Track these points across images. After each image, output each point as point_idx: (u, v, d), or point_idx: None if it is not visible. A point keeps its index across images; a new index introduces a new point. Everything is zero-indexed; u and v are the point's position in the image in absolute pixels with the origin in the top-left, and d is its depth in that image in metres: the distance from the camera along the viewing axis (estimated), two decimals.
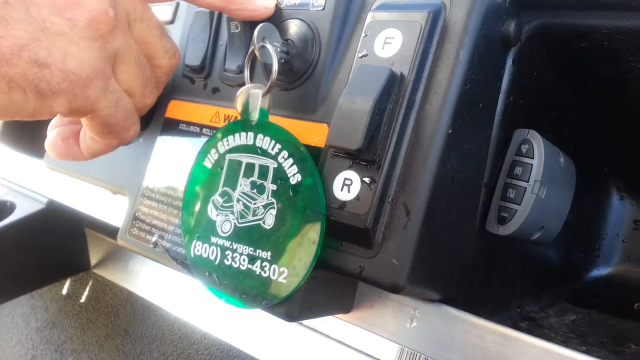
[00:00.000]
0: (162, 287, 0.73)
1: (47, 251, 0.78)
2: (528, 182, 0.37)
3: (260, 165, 0.35)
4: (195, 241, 0.37)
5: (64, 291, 0.96)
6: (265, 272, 0.34)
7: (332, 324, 0.53)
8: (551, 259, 0.51)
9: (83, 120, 0.35)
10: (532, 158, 0.37)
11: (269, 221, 0.34)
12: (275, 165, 0.34)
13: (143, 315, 0.87)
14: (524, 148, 0.37)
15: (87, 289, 0.94)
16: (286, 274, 0.33)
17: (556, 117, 0.45)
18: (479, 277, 0.39)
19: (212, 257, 0.36)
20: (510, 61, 0.36)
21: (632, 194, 0.56)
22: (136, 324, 0.87)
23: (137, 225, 0.43)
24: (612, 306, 0.50)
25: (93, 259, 0.83)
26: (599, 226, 0.56)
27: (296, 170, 0.33)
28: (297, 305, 0.34)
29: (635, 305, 0.49)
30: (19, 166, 0.69)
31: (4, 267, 0.73)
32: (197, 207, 0.37)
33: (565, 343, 0.39)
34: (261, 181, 0.34)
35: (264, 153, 0.34)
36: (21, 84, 0.29)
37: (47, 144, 0.39)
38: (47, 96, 0.30)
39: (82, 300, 0.94)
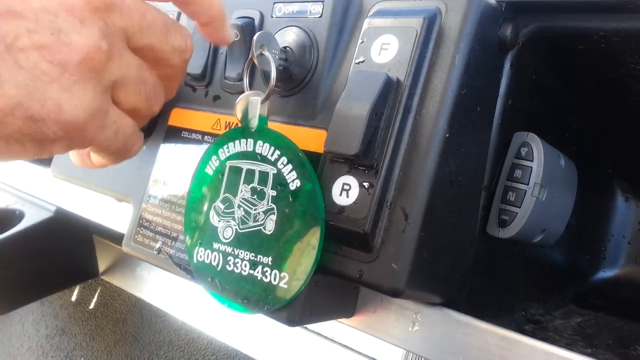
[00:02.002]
0: (170, 293, 0.74)
1: (56, 258, 0.79)
2: (528, 184, 0.37)
3: (260, 172, 0.35)
4: (197, 247, 0.37)
5: (73, 298, 0.97)
6: (266, 277, 0.34)
7: (337, 328, 0.53)
8: (556, 261, 0.51)
9: None
10: (532, 161, 0.37)
11: (270, 227, 0.34)
12: (275, 171, 0.34)
13: (151, 321, 0.88)
14: (524, 151, 0.38)
15: (96, 295, 0.95)
16: (287, 279, 0.33)
17: (557, 120, 0.44)
18: (481, 280, 0.39)
19: (214, 263, 0.36)
20: (508, 65, 0.36)
21: (637, 195, 0.56)
22: (144, 330, 0.88)
23: (141, 232, 0.43)
24: (619, 308, 0.50)
25: (101, 266, 0.84)
26: (604, 228, 0.56)
27: (295, 176, 0.33)
28: (298, 310, 0.34)
29: None
30: (27, 175, 0.69)
31: (14, 275, 0.74)
32: (200, 214, 0.38)
33: (570, 346, 0.39)
34: (261, 187, 0.35)
35: (264, 159, 0.35)
36: (18, 138, 0.28)
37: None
38: (45, 144, 0.29)
39: (91, 306, 0.95)
